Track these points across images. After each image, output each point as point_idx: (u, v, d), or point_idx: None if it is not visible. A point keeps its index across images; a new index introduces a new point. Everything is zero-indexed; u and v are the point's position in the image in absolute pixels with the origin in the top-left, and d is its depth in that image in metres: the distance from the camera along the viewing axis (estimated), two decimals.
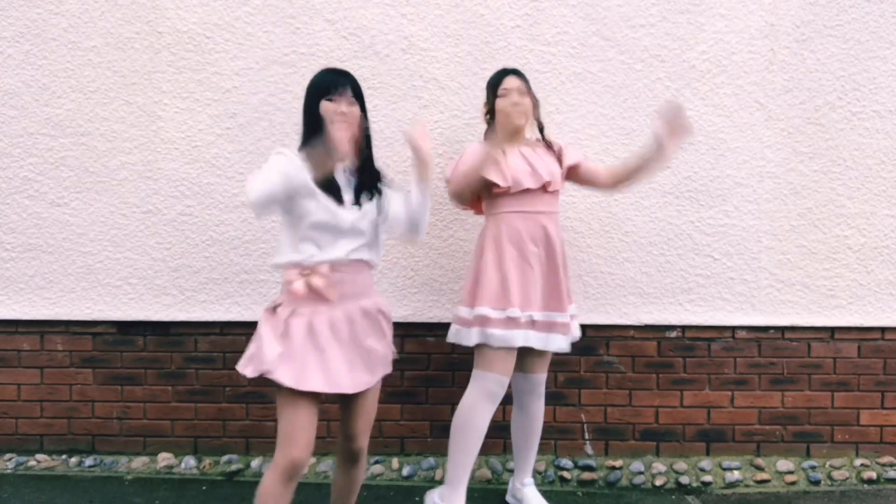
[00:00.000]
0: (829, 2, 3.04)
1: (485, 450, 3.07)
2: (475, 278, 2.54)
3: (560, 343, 2.54)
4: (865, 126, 3.07)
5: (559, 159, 2.60)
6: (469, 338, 2.49)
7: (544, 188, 2.51)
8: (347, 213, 2.05)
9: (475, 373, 2.51)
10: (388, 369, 2.20)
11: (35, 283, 3.09)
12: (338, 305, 2.04)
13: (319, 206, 2.00)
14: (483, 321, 2.46)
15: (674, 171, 3.06)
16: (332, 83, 2.06)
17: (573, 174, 2.64)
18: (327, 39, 3.02)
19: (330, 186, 2.02)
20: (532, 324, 2.49)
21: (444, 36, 3.03)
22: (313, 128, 2.04)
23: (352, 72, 2.06)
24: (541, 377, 2.62)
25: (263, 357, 2.00)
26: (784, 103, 3.06)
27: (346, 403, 2.16)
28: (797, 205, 3.08)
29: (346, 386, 2.05)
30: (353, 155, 2.04)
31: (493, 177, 2.46)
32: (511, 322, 2.45)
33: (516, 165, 2.50)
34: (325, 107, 2.04)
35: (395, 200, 2.19)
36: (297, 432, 2.00)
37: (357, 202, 2.07)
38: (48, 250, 3.08)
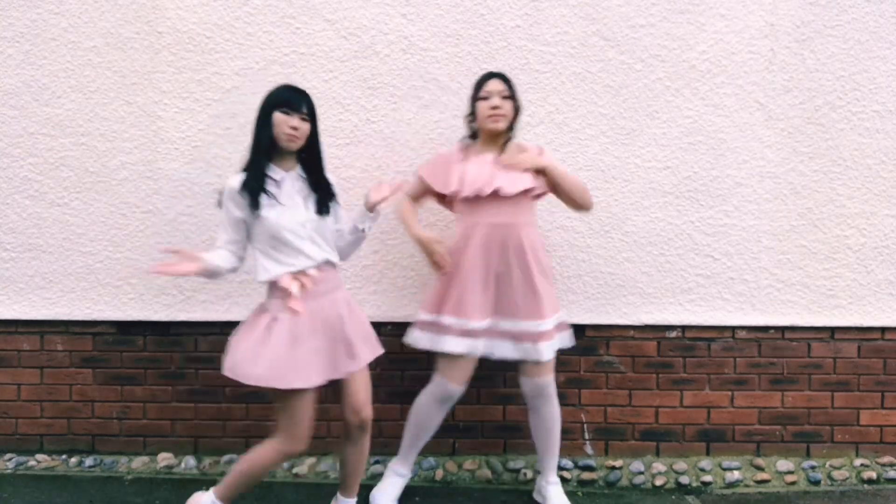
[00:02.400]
0: (829, 2, 3.04)
1: (485, 449, 3.08)
2: (437, 285, 2.61)
3: (507, 351, 2.56)
4: (865, 126, 3.07)
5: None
6: (421, 341, 2.60)
7: (496, 193, 2.51)
8: (299, 216, 2.23)
9: (433, 376, 2.61)
10: (377, 351, 2.40)
11: (35, 283, 3.09)
12: (315, 302, 2.22)
13: (277, 216, 2.19)
14: (439, 328, 2.54)
15: (674, 171, 3.06)
16: (288, 99, 2.22)
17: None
18: (327, 39, 3.02)
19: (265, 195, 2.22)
20: (485, 332, 2.54)
21: (444, 36, 3.03)
22: (263, 134, 2.21)
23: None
24: (538, 381, 2.62)
25: (249, 372, 2.15)
26: (784, 103, 3.06)
27: (342, 385, 2.34)
28: (797, 205, 3.08)
29: (336, 373, 2.26)
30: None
31: (438, 187, 2.61)
32: (463, 332, 2.52)
33: (476, 173, 2.53)
34: (278, 118, 2.19)
35: (343, 218, 2.42)
36: (298, 426, 2.21)
37: (319, 211, 2.26)
38: (48, 250, 3.08)
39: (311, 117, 2.26)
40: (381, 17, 3.01)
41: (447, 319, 2.52)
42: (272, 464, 2.23)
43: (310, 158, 2.29)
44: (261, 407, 3.11)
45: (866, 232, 3.10)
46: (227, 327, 3.08)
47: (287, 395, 2.18)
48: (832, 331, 3.13)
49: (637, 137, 3.05)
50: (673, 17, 3.03)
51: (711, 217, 3.08)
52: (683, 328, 3.12)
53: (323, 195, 2.28)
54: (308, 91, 2.27)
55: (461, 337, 2.51)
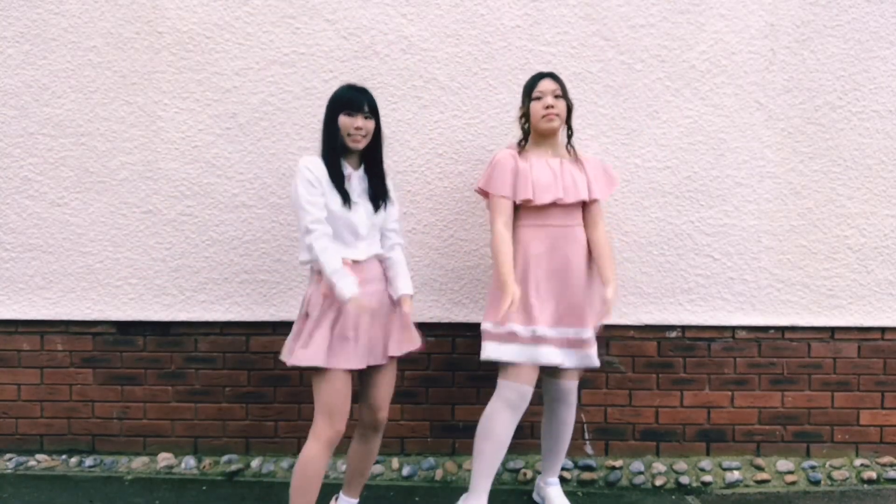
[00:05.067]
0: (829, 2, 3.04)
1: None
2: (490, 293, 2.58)
3: (571, 359, 2.53)
4: (865, 126, 3.07)
5: (587, 177, 2.59)
6: (484, 351, 2.53)
7: (556, 202, 2.51)
8: (362, 216, 2.29)
9: (498, 381, 2.53)
10: (413, 346, 2.43)
11: (35, 283, 3.09)
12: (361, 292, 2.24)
13: (342, 213, 2.25)
14: (487, 336, 2.51)
15: (674, 171, 3.06)
16: (351, 100, 2.29)
17: (587, 203, 2.62)
18: (327, 39, 3.01)
19: (343, 192, 2.27)
20: (541, 339, 2.47)
21: (444, 36, 3.03)
22: (331, 138, 2.28)
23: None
24: (569, 385, 2.61)
25: (307, 354, 2.20)
26: (784, 103, 3.06)
27: (369, 378, 2.38)
28: (797, 205, 3.08)
29: (373, 360, 2.30)
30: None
31: (518, 197, 2.51)
32: (512, 337, 2.46)
33: (542, 178, 2.50)
34: (343, 121, 2.27)
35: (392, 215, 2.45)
36: (339, 406, 2.23)
37: (375, 208, 2.32)
38: (48, 250, 3.08)
39: (374, 114, 2.33)
40: (381, 17, 3.01)
41: (515, 327, 2.46)
42: (322, 453, 2.23)
43: (370, 154, 2.36)
44: (261, 407, 3.11)
45: (866, 232, 3.10)
46: (227, 327, 3.10)
47: (323, 376, 2.21)
48: (832, 331, 3.13)
49: (637, 137, 3.05)
50: (673, 17, 3.03)
51: (711, 217, 3.08)
52: (683, 328, 3.12)
53: (378, 192, 2.35)
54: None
55: (529, 344, 2.47)
